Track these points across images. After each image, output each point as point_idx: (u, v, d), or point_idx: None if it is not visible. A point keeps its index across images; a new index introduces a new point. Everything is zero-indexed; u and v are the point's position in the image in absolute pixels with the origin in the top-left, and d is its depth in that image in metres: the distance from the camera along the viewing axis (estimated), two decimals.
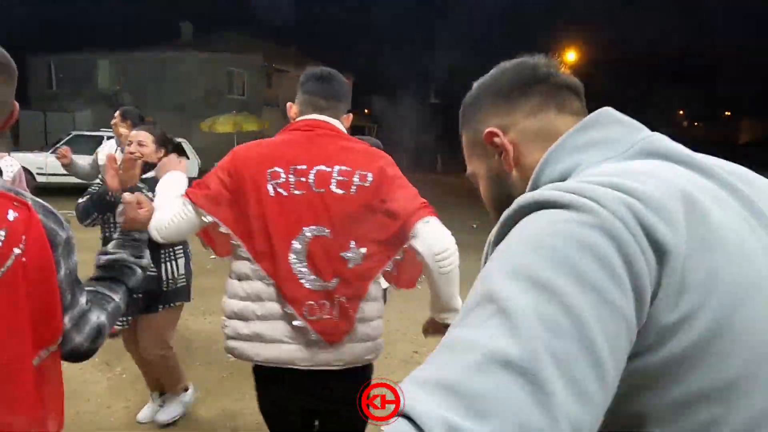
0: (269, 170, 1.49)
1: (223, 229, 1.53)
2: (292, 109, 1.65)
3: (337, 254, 1.49)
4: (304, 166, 1.50)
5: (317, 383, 1.57)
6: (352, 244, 1.50)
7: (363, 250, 1.50)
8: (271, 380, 1.62)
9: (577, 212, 0.51)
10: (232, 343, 1.58)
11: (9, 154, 3.54)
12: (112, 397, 3.13)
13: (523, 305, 0.46)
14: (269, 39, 30.21)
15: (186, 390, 2.93)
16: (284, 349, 1.52)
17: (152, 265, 2.57)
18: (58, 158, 3.93)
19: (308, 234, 1.49)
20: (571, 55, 27.47)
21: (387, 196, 1.50)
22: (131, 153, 2.44)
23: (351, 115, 1.68)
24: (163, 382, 2.85)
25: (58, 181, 11.20)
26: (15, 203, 0.96)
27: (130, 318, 2.57)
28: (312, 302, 1.49)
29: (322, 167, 1.50)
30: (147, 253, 1.33)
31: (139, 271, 1.27)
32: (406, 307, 5.24)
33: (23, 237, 0.94)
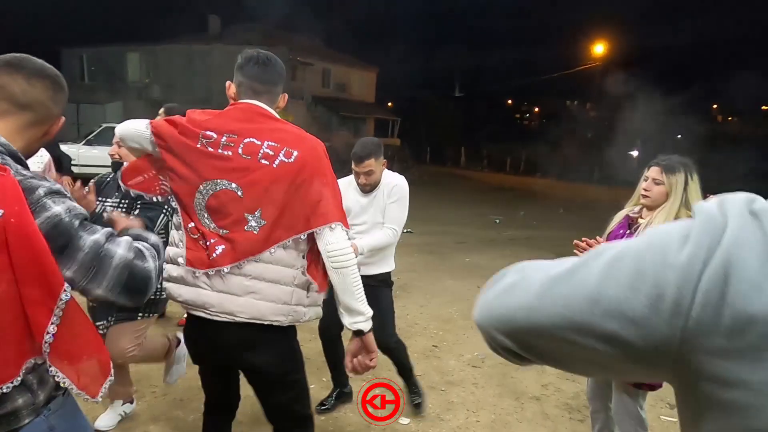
0: (203, 131, 1.63)
1: (156, 154, 1.69)
2: (231, 88, 1.75)
3: (242, 213, 1.60)
4: (235, 136, 1.63)
5: (219, 332, 1.68)
6: (258, 212, 1.60)
7: (263, 221, 1.60)
8: (189, 327, 1.80)
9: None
10: (166, 284, 1.73)
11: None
12: (137, 381, 3.20)
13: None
14: (295, 32, 30.37)
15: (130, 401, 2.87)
16: (201, 292, 1.65)
17: None
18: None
19: (217, 185, 1.61)
20: (599, 48, 26.86)
21: (306, 182, 1.61)
22: (111, 154, 2.51)
23: (285, 95, 1.79)
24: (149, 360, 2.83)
25: (91, 172, 11.48)
26: None
27: (111, 319, 2.50)
28: (193, 224, 1.65)
29: (253, 140, 1.62)
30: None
31: (152, 237, 1.31)
32: (427, 302, 5.25)
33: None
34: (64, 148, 11.92)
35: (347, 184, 2.76)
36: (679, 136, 40.06)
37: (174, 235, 1.75)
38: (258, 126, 1.66)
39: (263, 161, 1.60)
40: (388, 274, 2.92)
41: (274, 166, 1.60)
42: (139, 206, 2.43)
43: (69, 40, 26.52)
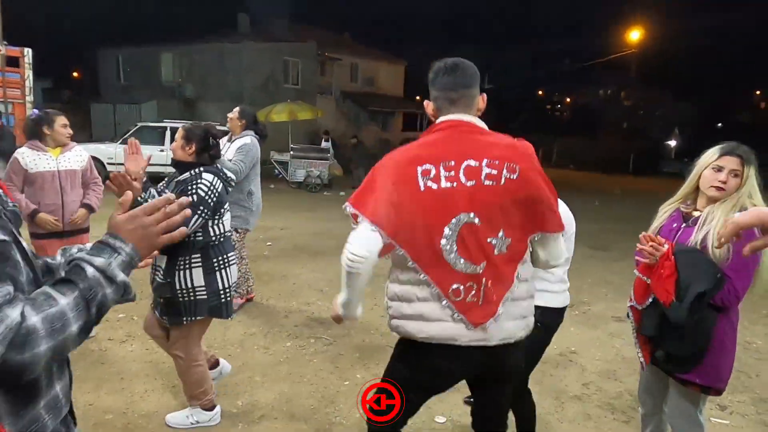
0: (420, 167, 1.61)
1: (388, 241, 1.61)
2: (429, 107, 1.76)
3: (485, 240, 1.62)
4: (452, 162, 1.61)
5: (474, 356, 1.70)
6: (501, 233, 1.63)
7: (508, 239, 1.64)
8: (432, 353, 1.73)
9: None
10: (395, 322, 1.74)
11: (75, 144, 3.67)
12: (177, 377, 3.24)
13: None
14: (323, 28, 30.42)
15: (207, 408, 2.76)
16: (445, 326, 1.66)
17: (161, 275, 2.53)
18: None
19: (458, 221, 1.61)
20: (635, 34, 25.99)
21: (535, 193, 1.63)
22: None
23: (484, 95, 1.75)
24: (182, 383, 2.77)
25: None
26: None
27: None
28: (458, 285, 1.63)
29: (471, 161, 1.62)
30: (111, 254, 0.97)
31: (89, 269, 0.94)
32: None
33: None
34: (101, 147, 12.33)
35: None
36: (719, 125, 38.60)
37: (425, 292, 1.69)
38: (469, 144, 1.65)
39: (488, 182, 1.61)
40: None
41: (501, 184, 1.62)
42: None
43: (105, 41, 27.25)
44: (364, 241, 1.56)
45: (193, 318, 2.57)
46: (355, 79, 28.79)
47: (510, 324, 1.69)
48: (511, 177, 1.61)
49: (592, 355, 3.95)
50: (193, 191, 2.48)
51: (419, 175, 1.61)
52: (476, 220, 1.61)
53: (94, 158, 10.85)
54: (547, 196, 1.65)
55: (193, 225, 2.45)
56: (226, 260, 2.65)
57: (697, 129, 35.21)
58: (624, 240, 8.38)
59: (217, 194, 2.55)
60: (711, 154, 2.02)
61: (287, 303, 4.76)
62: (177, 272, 2.52)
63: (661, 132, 35.55)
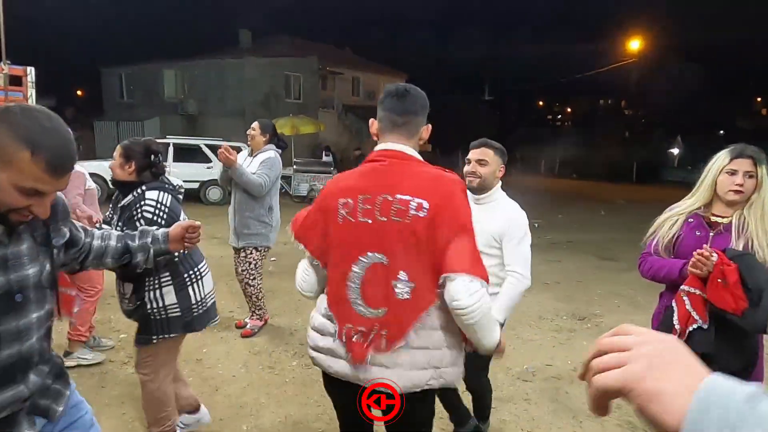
0: (342, 200, 1.61)
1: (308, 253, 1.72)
2: (374, 125, 1.73)
3: (389, 282, 1.52)
4: (369, 195, 1.57)
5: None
6: (402, 274, 1.52)
7: (412, 284, 1.52)
8: (335, 389, 1.74)
9: None
10: (313, 353, 1.73)
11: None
12: None
13: None
14: (324, 42, 30.61)
15: None
16: (342, 364, 1.63)
17: (127, 302, 2.41)
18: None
19: (366, 260, 1.55)
20: (635, 44, 26.05)
21: (440, 233, 1.49)
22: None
23: (429, 126, 1.73)
24: (144, 408, 2.60)
25: None
26: None
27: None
28: (351, 326, 1.58)
29: (386, 196, 1.55)
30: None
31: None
32: None
33: None
34: (104, 164, 12.32)
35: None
36: (721, 132, 38.53)
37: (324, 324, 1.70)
38: (391, 177, 1.58)
39: (396, 218, 1.53)
40: None
41: (407, 221, 1.52)
42: (122, 225, 2.36)
43: (108, 60, 27.48)
44: (301, 274, 1.80)
45: (165, 336, 2.41)
46: (356, 93, 28.87)
47: (412, 373, 1.55)
48: (418, 214, 1.50)
49: None
50: (139, 215, 2.32)
51: (339, 207, 1.60)
52: (384, 260, 1.52)
53: (98, 175, 10.89)
54: (457, 237, 1.48)
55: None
56: (197, 273, 2.50)
57: (700, 137, 35.16)
58: (631, 250, 8.35)
59: (166, 210, 2.36)
60: (722, 159, 1.99)
61: (292, 320, 4.66)
62: (147, 293, 2.37)
63: (663, 140, 35.51)
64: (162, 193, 2.40)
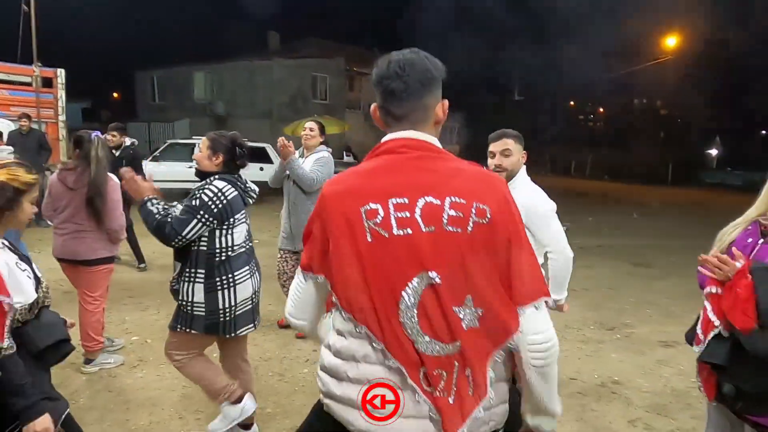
0: (363, 208, 1.20)
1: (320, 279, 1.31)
2: (376, 112, 1.33)
3: (450, 309, 1.17)
4: (406, 199, 1.19)
5: None
6: (468, 299, 1.18)
7: (480, 310, 1.18)
8: None
9: None
10: (326, 401, 1.30)
11: None
12: (184, 407, 3.07)
13: None
14: (351, 43, 30.64)
15: (234, 402, 2.64)
16: (422, 424, 1.20)
17: (174, 280, 2.56)
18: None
19: (419, 283, 1.17)
20: (671, 41, 25.19)
21: (501, 246, 1.19)
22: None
23: (446, 102, 1.31)
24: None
25: (160, 187, 11.89)
26: None
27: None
28: (428, 370, 1.18)
29: (430, 199, 1.19)
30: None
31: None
32: None
33: None
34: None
35: None
36: (763, 132, 36.92)
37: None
38: (427, 174, 1.22)
39: (451, 228, 1.18)
40: None
41: (469, 231, 1.18)
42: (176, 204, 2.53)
43: (141, 63, 28.16)
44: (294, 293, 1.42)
45: (186, 329, 2.49)
46: None
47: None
48: (481, 221, 1.18)
49: (638, 386, 3.58)
50: (197, 195, 2.42)
51: (364, 219, 1.19)
52: (438, 280, 1.16)
53: None
54: (522, 252, 1.21)
55: (191, 229, 2.37)
56: (231, 279, 2.48)
57: (740, 137, 33.78)
58: (666, 255, 7.72)
59: (225, 201, 2.43)
60: None
61: None
62: (182, 283, 2.49)
63: (700, 140, 34.27)
64: (229, 185, 2.46)
